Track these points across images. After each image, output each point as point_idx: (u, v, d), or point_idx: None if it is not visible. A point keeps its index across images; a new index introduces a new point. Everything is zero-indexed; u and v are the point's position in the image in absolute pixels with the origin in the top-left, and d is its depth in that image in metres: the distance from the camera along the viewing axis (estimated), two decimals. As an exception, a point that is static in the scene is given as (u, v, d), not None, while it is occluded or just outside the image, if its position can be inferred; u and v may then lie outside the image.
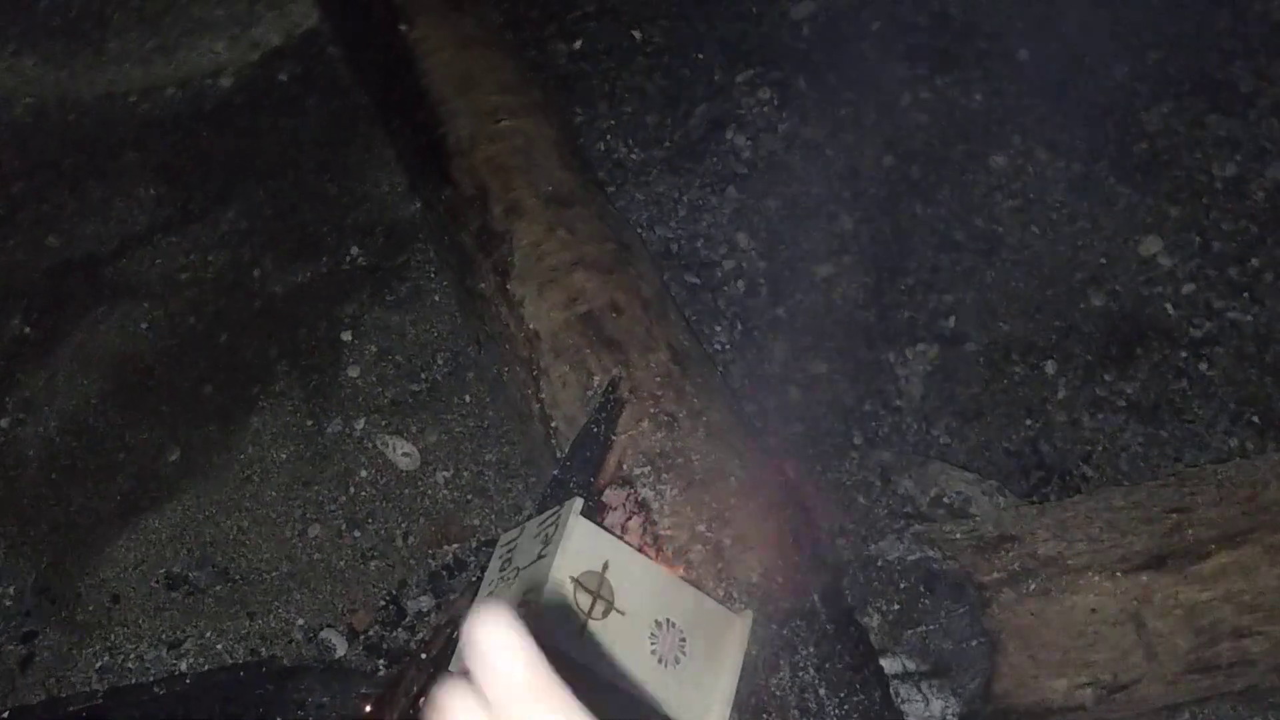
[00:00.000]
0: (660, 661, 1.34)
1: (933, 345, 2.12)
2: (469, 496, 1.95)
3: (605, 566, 1.36)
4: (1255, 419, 2.02)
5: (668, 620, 1.37)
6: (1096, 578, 1.57)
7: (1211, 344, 2.12)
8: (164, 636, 1.81)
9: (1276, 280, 2.17)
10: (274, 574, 1.88)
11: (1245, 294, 2.16)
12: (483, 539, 1.90)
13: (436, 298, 2.15)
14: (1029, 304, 2.17)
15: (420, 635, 1.74)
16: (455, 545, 1.90)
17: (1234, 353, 2.11)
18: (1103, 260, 2.21)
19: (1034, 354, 2.12)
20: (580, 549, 1.35)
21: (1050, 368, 2.10)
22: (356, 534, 1.92)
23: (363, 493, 1.96)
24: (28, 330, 2.17)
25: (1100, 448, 2.01)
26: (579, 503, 1.39)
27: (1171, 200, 2.25)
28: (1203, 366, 2.09)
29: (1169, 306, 2.16)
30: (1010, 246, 2.23)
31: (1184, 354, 2.11)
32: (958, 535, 1.66)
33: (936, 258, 2.20)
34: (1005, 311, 2.17)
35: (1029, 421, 2.05)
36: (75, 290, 2.23)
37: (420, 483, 1.96)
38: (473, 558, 1.88)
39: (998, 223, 2.25)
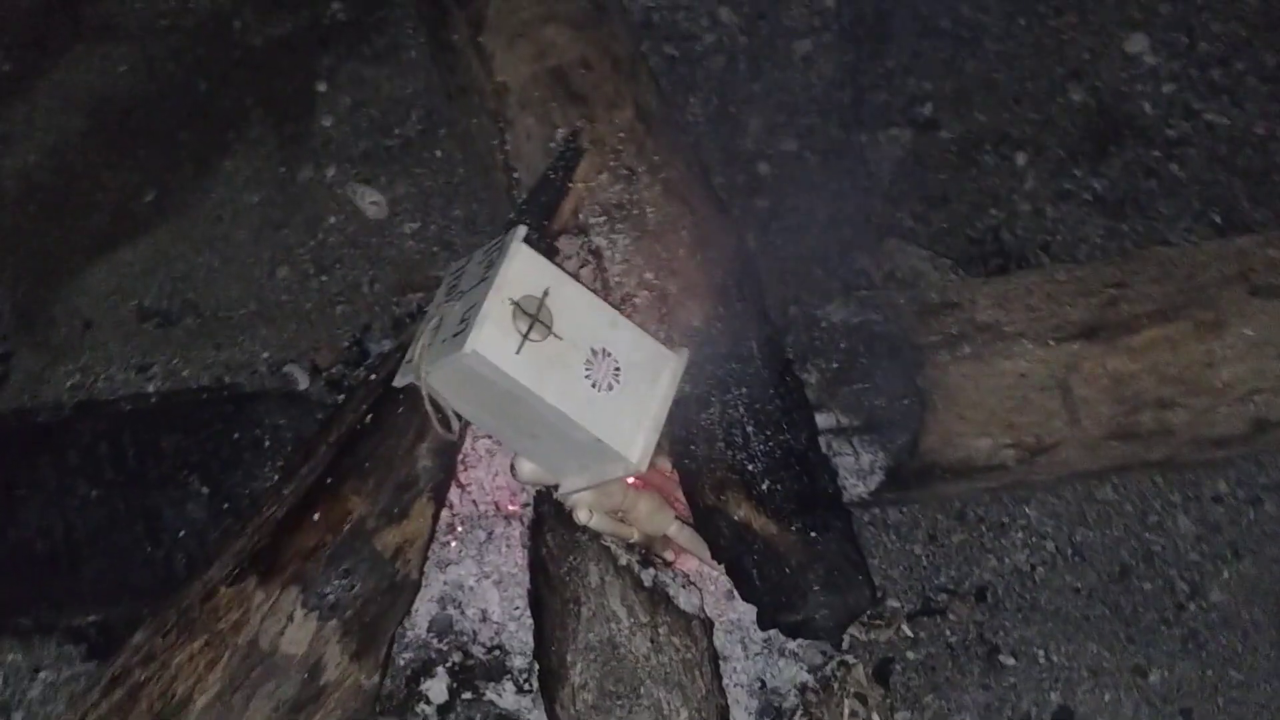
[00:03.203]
0: (594, 386, 1.40)
1: (906, 130, 2.12)
2: (434, 248, 1.99)
3: (545, 293, 1.40)
4: (1217, 219, 2.04)
5: (604, 349, 1.42)
6: (1030, 345, 1.62)
7: (1185, 144, 2.12)
8: (133, 361, 1.88)
9: (1259, 84, 2.16)
10: (242, 311, 1.94)
11: (1225, 97, 2.15)
12: (446, 290, 1.95)
13: (413, 54, 2.15)
14: (1007, 95, 2.17)
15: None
16: (419, 294, 1.95)
17: (1206, 154, 2.11)
18: (1086, 55, 2.20)
19: (1007, 145, 2.12)
20: (521, 273, 1.40)
21: (1021, 159, 2.11)
22: (324, 278, 1.97)
23: (331, 239, 2.00)
24: (8, 67, 2.18)
25: (1060, 238, 2.03)
26: (522, 230, 1.42)
27: (1163, -4, 2.23)
28: (1173, 166, 2.10)
29: (1148, 105, 2.16)
30: (994, 36, 2.21)
31: (1156, 153, 2.11)
32: (902, 301, 1.70)
33: (918, 43, 2.19)
34: (983, 102, 2.16)
35: (994, 210, 2.07)
36: (56, 29, 2.22)
37: (387, 232, 2.00)
38: (435, 307, 1.93)
39: (984, 11, 2.23)
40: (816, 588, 1.40)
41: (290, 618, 1.41)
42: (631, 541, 1.57)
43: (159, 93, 2.15)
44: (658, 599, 1.51)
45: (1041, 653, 1.70)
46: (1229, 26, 2.20)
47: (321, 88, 2.13)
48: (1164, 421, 1.62)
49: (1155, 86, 2.16)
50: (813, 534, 1.42)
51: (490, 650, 1.62)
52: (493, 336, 1.34)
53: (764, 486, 1.44)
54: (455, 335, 1.37)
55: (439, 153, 2.07)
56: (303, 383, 1.86)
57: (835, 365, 1.67)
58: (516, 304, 1.37)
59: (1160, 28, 2.20)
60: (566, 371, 1.39)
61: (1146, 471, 1.76)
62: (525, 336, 1.37)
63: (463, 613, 1.64)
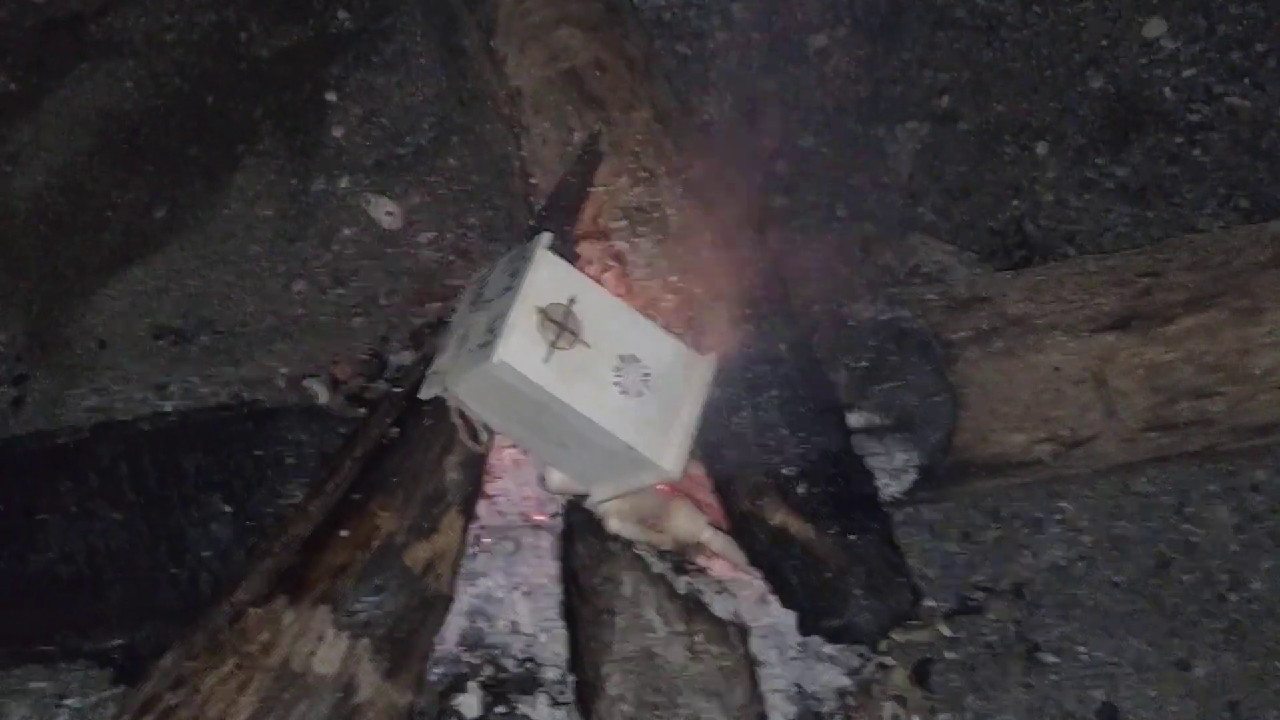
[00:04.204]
0: (624, 393, 1.37)
1: (924, 123, 2.10)
2: (452, 257, 1.97)
3: (572, 300, 1.38)
4: (1244, 203, 2.02)
5: (632, 355, 1.39)
6: (1062, 337, 1.59)
7: (1207, 129, 2.09)
8: (150, 380, 1.86)
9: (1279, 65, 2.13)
10: (258, 326, 1.91)
11: (1246, 79, 2.13)
12: (464, 299, 1.93)
13: (422, 61, 2.12)
14: (1025, 84, 2.14)
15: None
16: (437, 304, 1.92)
17: (1229, 138, 2.08)
18: (1104, 42, 2.17)
19: (1026, 134, 2.10)
20: (547, 281, 1.37)
21: (1042, 149, 2.08)
22: (340, 290, 1.94)
23: (346, 250, 1.97)
24: (13, 86, 2.15)
25: (1085, 227, 2.01)
26: (547, 237, 1.40)
27: (1180, -20, 2.21)
28: (1196, 151, 2.08)
29: (1168, 90, 2.13)
30: (1010, 25, 2.18)
31: (1179, 138, 2.09)
32: (930, 296, 1.68)
33: (934, 34, 2.16)
34: (1001, 91, 2.14)
35: (1016, 201, 2.04)
36: (60, 47, 2.20)
37: (403, 242, 1.98)
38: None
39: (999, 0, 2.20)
40: (858, 591, 1.37)
41: (321, 637, 1.38)
42: (664, 549, 1.55)
43: (166, 108, 2.13)
44: (693, 607, 1.48)
45: (1083, 649, 1.68)
46: (1248, 8, 2.17)
47: (331, 97, 2.10)
48: (1202, 411, 1.59)
49: (1175, 71, 2.14)
50: (851, 537, 1.39)
51: (522, 663, 1.59)
52: (520, 345, 1.32)
53: (800, 490, 1.42)
54: (482, 345, 1.34)
55: (453, 160, 2.05)
56: (323, 397, 1.84)
57: (864, 364, 1.64)
58: (543, 312, 1.35)
59: (1178, 11, 2.18)
60: (596, 379, 1.36)
61: (1184, 462, 1.73)
62: (553, 345, 1.34)
63: (492, 625, 1.61)
